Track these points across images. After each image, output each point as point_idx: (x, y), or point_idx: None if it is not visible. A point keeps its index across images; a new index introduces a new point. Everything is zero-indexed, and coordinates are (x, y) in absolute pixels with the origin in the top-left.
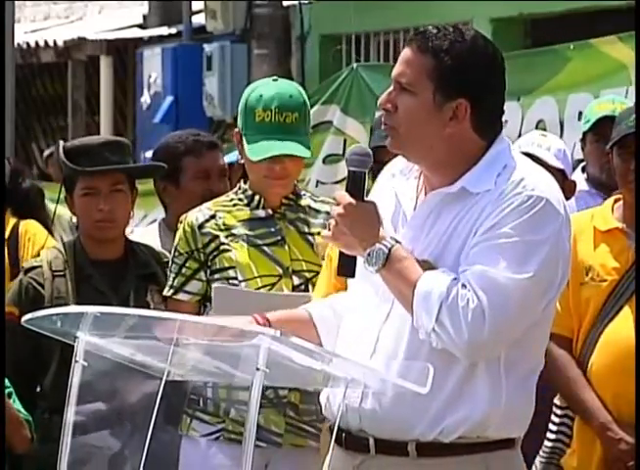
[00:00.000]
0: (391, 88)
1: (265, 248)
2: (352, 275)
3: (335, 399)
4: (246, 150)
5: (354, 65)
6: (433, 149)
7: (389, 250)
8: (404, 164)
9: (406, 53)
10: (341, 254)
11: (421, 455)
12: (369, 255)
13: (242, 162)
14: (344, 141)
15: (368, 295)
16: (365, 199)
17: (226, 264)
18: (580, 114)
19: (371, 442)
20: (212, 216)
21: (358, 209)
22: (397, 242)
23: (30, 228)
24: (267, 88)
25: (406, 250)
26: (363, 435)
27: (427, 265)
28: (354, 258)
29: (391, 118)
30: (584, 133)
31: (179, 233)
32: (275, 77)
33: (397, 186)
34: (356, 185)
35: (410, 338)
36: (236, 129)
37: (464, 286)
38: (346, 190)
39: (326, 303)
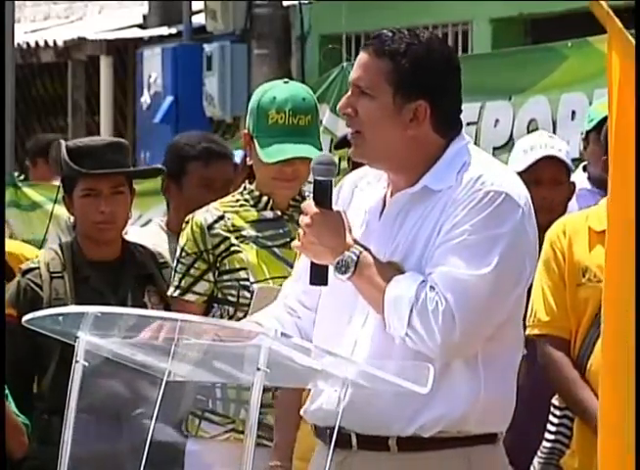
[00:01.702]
0: (350, 93)
1: (275, 249)
2: (325, 283)
3: (318, 400)
4: (258, 152)
5: (344, 64)
6: (395, 151)
7: (358, 257)
8: (373, 174)
9: (363, 57)
10: (312, 263)
11: (401, 450)
12: (338, 263)
13: (250, 163)
14: (331, 141)
15: (340, 301)
16: (332, 207)
17: (237, 266)
18: (574, 113)
19: (353, 437)
20: (221, 217)
21: (325, 218)
22: (366, 249)
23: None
24: (280, 91)
25: (374, 256)
26: (345, 431)
27: (394, 268)
28: (326, 266)
29: (354, 123)
30: (587, 132)
31: (186, 233)
32: (286, 80)
33: (363, 191)
34: (322, 194)
35: (385, 339)
36: (244, 131)
37: (432, 288)
38: (313, 199)
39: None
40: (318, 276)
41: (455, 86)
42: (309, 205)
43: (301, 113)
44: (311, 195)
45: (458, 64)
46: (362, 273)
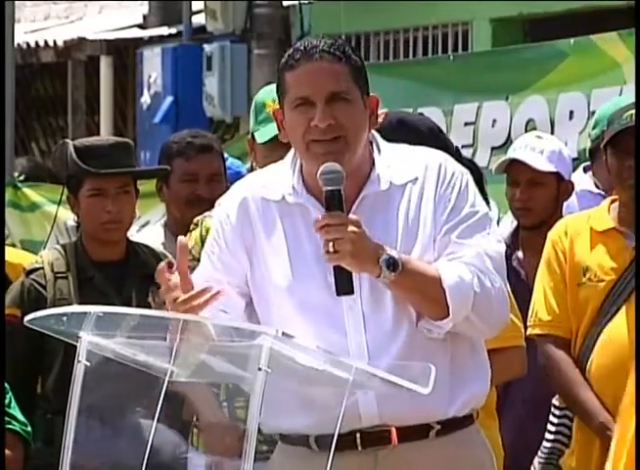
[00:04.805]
0: (323, 103)
1: None
2: (352, 291)
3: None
4: (256, 138)
5: None
6: (363, 150)
7: (398, 255)
8: (267, 186)
9: (324, 66)
10: (336, 273)
11: (439, 435)
12: (387, 262)
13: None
14: None
15: (315, 322)
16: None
17: None
18: (572, 113)
19: (393, 432)
20: None
21: (360, 223)
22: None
23: None
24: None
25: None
26: (381, 428)
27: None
28: (350, 273)
29: (334, 130)
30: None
31: (195, 237)
32: None
33: (292, 197)
34: (338, 203)
35: (405, 336)
36: (248, 137)
37: (476, 269)
38: (329, 209)
39: None
40: (345, 284)
41: None
42: (340, 215)
43: None
44: (325, 205)
45: None
46: (408, 267)
